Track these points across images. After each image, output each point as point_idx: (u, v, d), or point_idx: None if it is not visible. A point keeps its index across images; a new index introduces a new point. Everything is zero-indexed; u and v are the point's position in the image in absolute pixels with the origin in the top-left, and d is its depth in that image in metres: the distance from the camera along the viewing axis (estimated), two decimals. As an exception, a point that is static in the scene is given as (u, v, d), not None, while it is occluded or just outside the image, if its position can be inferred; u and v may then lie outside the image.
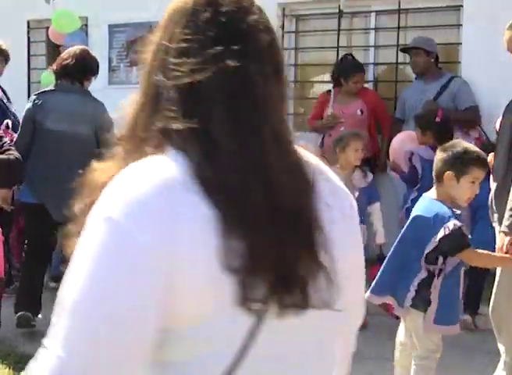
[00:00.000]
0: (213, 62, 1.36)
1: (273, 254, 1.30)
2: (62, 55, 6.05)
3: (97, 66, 6.08)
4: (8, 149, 3.79)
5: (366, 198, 6.21)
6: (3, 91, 6.64)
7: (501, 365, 4.44)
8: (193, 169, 1.32)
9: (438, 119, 6.52)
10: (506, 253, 4.26)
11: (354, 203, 1.58)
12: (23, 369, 5.00)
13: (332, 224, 1.40)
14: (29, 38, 10.48)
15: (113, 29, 9.78)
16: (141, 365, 1.31)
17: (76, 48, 6.03)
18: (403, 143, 6.69)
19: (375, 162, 7.25)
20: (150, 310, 1.27)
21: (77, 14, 9.41)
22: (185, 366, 1.36)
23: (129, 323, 1.26)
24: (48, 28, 9.78)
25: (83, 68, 5.88)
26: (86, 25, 9.87)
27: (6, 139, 3.87)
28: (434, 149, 6.42)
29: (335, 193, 1.51)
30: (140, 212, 1.29)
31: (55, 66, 5.99)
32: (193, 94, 1.37)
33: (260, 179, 1.33)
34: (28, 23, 10.41)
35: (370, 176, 6.38)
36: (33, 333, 5.83)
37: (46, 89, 6.00)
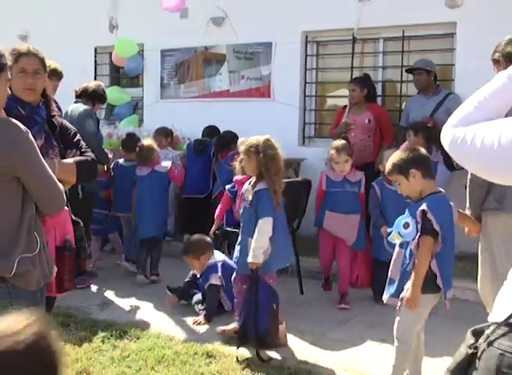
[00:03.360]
0: None
1: None
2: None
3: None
4: (86, 151, 3.89)
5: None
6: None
7: None
8: None
9: (429, 125, 6.71)
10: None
11: None
12: (96, 332, 5.19)
13: None
14: (95, 61, 10.58)
15: (164, 53, 9.84)
16: None
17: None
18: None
19: (373, 166, 7.12)
20: None
21: (135, 41, 9.62)
22: None
23: None
24: (111, 53, 9.99)
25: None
26: (142, 50, 9.96)
27: (83, 143, 3.97)
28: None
29: None
30: None
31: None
32: None
33: None
34: (95, 49, 10.53)
35: None
36: (104, 303, 6.07)
37: None
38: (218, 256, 5.93)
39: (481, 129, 1.92)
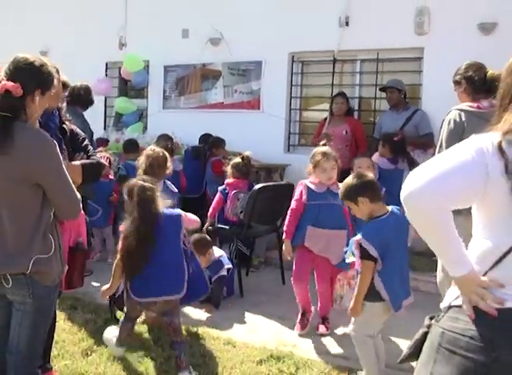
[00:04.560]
0: None
1: None
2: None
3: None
4: (92, 155, 3.86)
5: None
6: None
7: None
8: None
9: (396, 139, 6.68)
10: None
11: None
12: (100, 315, 5.19)
13: None
14: (106, 75, 10.49)
15: (167, 69, 9.82)
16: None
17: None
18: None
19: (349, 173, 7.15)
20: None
21: (141, 58, 9.63)
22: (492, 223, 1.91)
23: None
24: (120, 68, 9.99)
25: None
26: (147, 66, 9.94)
27: (91, 147, 3.94)
28: (390, 161, 6.53)
29: None
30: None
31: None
32: None
33: None
34: (106, 64, 10.48)
35: None
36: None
37: None
38: (218, 251, 5.91)
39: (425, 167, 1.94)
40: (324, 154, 4.96)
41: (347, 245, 4.39)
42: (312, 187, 4.98)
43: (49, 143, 2.81)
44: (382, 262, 3.78)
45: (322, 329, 5.05)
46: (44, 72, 2.88)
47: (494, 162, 1.84)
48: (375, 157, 6.61)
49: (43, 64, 2.90)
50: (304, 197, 4.97)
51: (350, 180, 3.98)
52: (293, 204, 5.08)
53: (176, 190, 5.52)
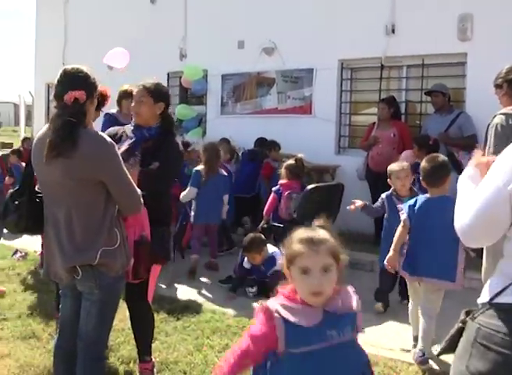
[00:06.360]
0: None
1: None
2: None
3: None
4: (156, 166, 3.80)
5: None
6: None
7: None
8: None
9: (431, 142, 6.62)
10: None
11: None
12: (163, 306, 5.26)
13: None
14: (168, 84, 10.59)
15: (225, 77, 9.93)
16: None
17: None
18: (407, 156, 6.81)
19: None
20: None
21: (201, 68, 9.77)
22: None
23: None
24: (180, 77, 10.12)
25: None
26: (206, 75, 10.06)
27: (163, 160, 3.85)
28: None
29: None
30: None
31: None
32: None
33: None
34: (168, 74, 10.64)
35: None
36: (170, 283, 6.11)
37: None
38: (271, 248, 5.93)
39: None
40: (309, 241, 2.20)
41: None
42: (291, 305, 2.16)
43: (108, 144, 2.88)
44: (412, 228, 4.25)
45: None
46: (93, 79, 2.99)
47: None
48: (408, 155, 6.60)
49: (90, 72, 3.00)
50: (282, 340, 2.08)
51: (423, 162, 4.29)
52: (246, 341, 2.18)
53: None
